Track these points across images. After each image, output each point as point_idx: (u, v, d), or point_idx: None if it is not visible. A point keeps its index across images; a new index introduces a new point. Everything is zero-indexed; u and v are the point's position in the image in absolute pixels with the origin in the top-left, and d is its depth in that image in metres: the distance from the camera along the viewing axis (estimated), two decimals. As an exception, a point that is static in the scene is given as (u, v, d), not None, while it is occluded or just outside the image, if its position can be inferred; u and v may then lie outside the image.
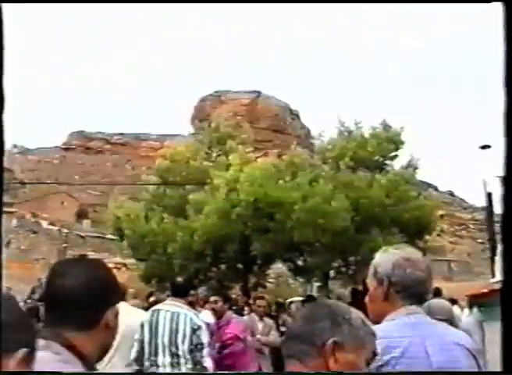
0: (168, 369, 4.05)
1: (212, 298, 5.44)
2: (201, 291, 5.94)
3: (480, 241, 36.34)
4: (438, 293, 7.39)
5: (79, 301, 1.26)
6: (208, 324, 4.46)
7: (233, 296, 13.07)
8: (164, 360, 4.06)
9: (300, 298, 10.63)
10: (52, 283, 1.31)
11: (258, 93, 54.98)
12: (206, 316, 5.07)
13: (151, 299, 8.10)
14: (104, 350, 1.37)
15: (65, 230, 35.92)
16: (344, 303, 1.37)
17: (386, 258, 1.84)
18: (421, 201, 16.40)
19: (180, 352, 4.05)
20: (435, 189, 41.61)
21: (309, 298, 9.60)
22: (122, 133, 59.13)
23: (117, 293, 1.40)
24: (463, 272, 33.06)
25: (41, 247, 33.41)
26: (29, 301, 14.00)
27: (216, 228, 15.29)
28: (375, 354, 1.27)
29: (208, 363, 4.08)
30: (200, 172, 17.86)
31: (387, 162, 17.62)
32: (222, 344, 5.14)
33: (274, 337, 6.65)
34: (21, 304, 12.31)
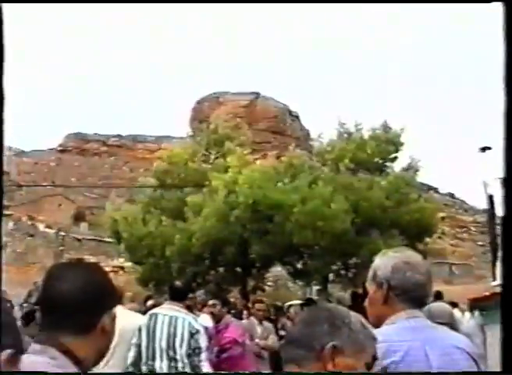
0: (165, 374, 4.02)
1: (211, 302, 5.43)
2: (200, 294, 5.94)
3: (481, 243, 36.25)
4: (439, 296, 7.38)
5: (75, 305, 1.25)
6: (206, 328, 4.44)
7: (232, 299, 13.03)
8: (161, 364, 4.04)
9: (300, 302, 10.56)
10: (48, 286, 1.30)
11: (257, 94, 54.84)
12: (204, 320, 5.05)
13: (149, 303, 8.02)
14: (101, 354, 1.36)
15: (62, 233, 35.82)
16: (344, 306, 1.36)
17: (386, 261, 1.84)
18: (422, 203, 16.31)
19: (178, 357, 4.03)
20: (436, 191, 41.54)
21: (308, 302, 9.56)
22: (119, 135, 58.91)
23: (114, 297, 1.40)
24: (464, 275, 32.96)
25: (38, 250, 33.31)
26: (25, 304, 13.90)
27: (215, 231, 15.23)
28: (375, 358, 1.25)
29: (206, 368, 4.06)
30: (199, 174, 17.76)
31: (387, 163, 17.52)
32: (221, 348, 5.12)
33: (273, 340, 6.63)
34: (17, 308, 12.29)
